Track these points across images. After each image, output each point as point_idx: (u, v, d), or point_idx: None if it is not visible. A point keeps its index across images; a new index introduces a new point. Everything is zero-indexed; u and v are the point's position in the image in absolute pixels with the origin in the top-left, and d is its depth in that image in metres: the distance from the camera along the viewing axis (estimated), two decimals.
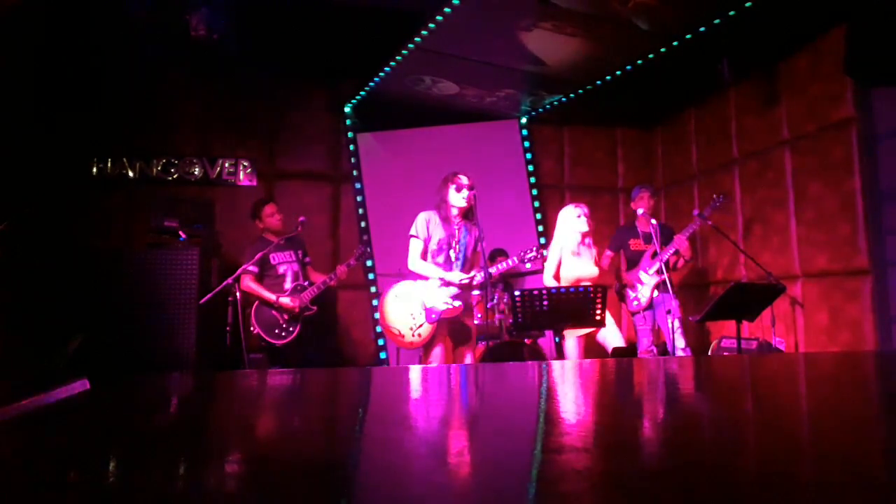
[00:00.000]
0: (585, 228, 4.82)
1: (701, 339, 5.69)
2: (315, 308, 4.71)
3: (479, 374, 2.18)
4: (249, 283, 4.60)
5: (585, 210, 4.90)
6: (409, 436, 1.07)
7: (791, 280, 5.11)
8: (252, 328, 4.59)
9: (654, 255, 4.83)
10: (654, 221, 4.85)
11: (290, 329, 4.62)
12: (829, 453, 0.87)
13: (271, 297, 4.60)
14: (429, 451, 0.94)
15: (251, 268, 4.55)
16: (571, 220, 4.86)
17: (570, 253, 4.84)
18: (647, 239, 4.91)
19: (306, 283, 4.72)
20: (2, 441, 1.06)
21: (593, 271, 4.87)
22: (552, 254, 4.87)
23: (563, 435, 1.06)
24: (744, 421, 1.18)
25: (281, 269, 4.74)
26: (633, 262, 5.07)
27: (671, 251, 4.89)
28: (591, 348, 5.02)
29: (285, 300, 4.60)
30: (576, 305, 3.88)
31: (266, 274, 4.72)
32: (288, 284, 4.71)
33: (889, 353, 4.24)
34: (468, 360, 4.00)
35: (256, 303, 4.64)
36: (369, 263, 6.17)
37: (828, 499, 0.65)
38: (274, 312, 4.62)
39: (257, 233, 4.88)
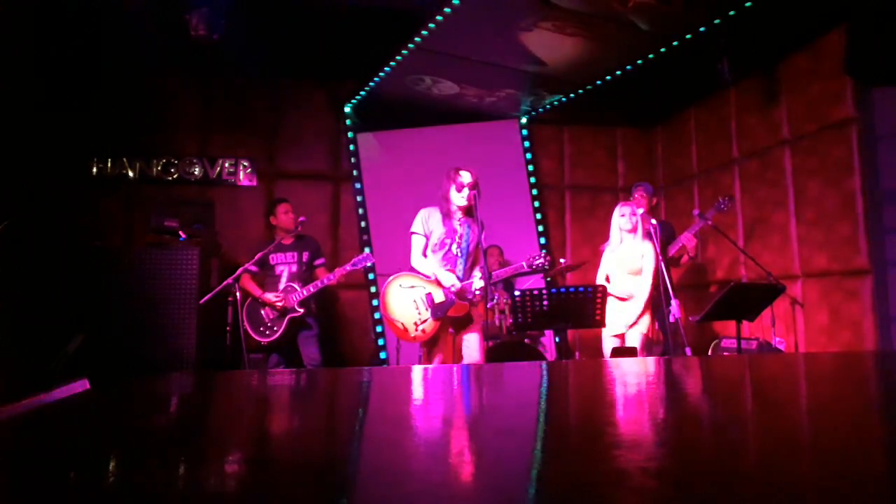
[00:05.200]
0: (628, 226, 4.44)
1: (701, 339, 5.69)
2: (302, 311, 4.71)
3: (479, 375, 2.18)
4: (246, 281, 4.75)
5: (630, 208, 4.52)
6: (409, 436, 1.07)
7: (791, 280, 5.11)
8: (242, 323, 4.72)
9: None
10: (653, 221, 4.82)
11: (275, 328, 4.71)
12: (829, 453, 0.87)
13: (258, 292, 4.73)
14: (429, 450, 0.94)
15: (251, 267, 4.66)
16: (615, 218, 4.56)
17: (614, 247, 4.56)
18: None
19: (297, 286, 4.75)
20: (2, 441, 1.06)
21: (633, 265, 4.37)
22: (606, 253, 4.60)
23: (562, 435, 1.06)
24: (743, 421, 1.18)
25: (278, 270, 4.84)
26: None
27: (676, 248, 4.86)
28: (586, 347, 5.00)
29: (269, 295, 4.70)
30: (576, 305, 3.88)
31: (266, 273, 4.87)
32: (282, 285, 4.79)
33: (889, 353, 4.24)
34: (474, 341, 3.80)
35: (249, 300, 4.77)
36: (369, 264, 6.15)
37: (828, 499, 0.65)
38: (261, 311, 4.75)
39: (271, 232, 5.02)
